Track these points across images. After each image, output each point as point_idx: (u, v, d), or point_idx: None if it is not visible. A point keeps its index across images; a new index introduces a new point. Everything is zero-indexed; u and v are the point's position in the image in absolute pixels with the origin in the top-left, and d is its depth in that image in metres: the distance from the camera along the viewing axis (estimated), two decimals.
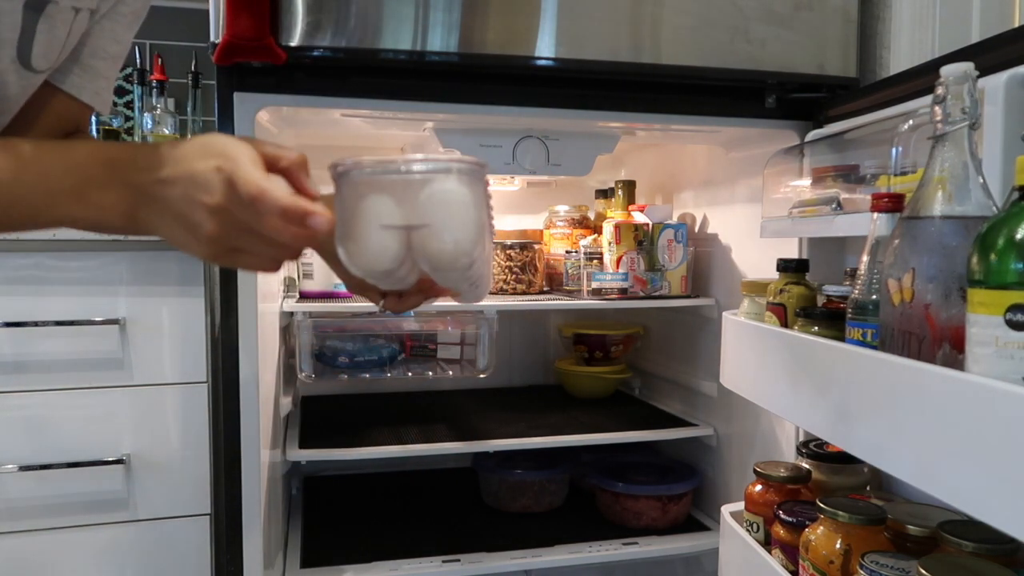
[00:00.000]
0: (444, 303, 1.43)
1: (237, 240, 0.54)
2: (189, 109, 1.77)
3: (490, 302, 1.44)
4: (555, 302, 1.46)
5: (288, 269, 1.50)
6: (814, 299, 0.93)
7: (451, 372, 1.57)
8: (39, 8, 0.64)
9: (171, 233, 0.55)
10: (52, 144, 0.55)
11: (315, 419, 1.52)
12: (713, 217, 1.56)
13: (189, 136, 1.73)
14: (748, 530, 1.03)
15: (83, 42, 0.73)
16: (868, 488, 1.03)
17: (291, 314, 1.37)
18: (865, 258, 0.75)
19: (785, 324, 0.92)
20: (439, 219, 0.53)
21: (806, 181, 1.12)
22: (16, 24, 0.63)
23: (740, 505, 1.07)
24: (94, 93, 0.76)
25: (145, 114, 1.67)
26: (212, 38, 1.01)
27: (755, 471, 1.04)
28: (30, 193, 0.54)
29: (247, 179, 0.52)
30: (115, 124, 1.71)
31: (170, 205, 0.54)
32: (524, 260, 1.50)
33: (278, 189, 0.52)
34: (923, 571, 0.68)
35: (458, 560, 1.30)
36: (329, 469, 1.72)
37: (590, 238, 1.55)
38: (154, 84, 1.69)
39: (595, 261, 1.50)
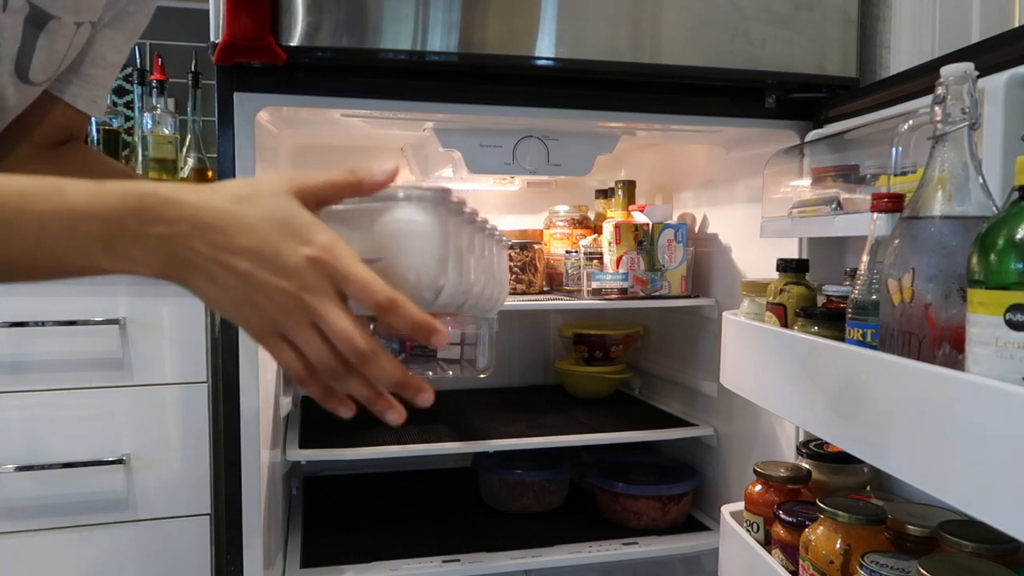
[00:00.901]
0: None
1: (298, 333, 0.46)
2: (189, 109, 1.77)
3: None
4: (555, 302, 1.45)
5: None
6: (814, 299, 0.93)
7: (451, 372, 1.57)
8: (41, 24, 0.64)
9: (217, 300, 0.48)
10: (83, 184, 0.47)
11: (315, 419, 1.52)
12: (713, 217, 1.56)
13: (189, 138, 1.72)
14: (748, 530, 1.03)
15: (84, 50, 0.73)
16: (868, 488, 1.03)
17: None
18: (865, 258, 0.75)
19: (785, 324, 0.92)
20: (393, 251, 0.50)
21: (806, 181, 1.12)
22: (16, 38, 0.63)
23: (740, 505, 1.07)
24: (91, 101, 0.75)
25: (145, 114, 1.66)
26: (212, 38, 1.01)
27: (755, 471, 1.04)
28: (55, 239, 0.45)
29: (373, 287, 0.46)
30: (115, 124, 1.71)
31: (228, 278, 0.46)
32: (524, 260, 1.50)
33: (407, 304, 0.47)
34: (923, 571, 0.68)
35: (458, 560, 1.30)
36: (329, 469, 1.72)
37: (590, 238, 1.55)
38: (154, 84, 1.69)
39: (595, 261, 1.50)
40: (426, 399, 0.50)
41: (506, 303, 1.42)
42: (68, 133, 0.77)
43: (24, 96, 0.67)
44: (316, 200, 0.51)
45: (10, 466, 1.18)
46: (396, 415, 0.50)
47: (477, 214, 0.65)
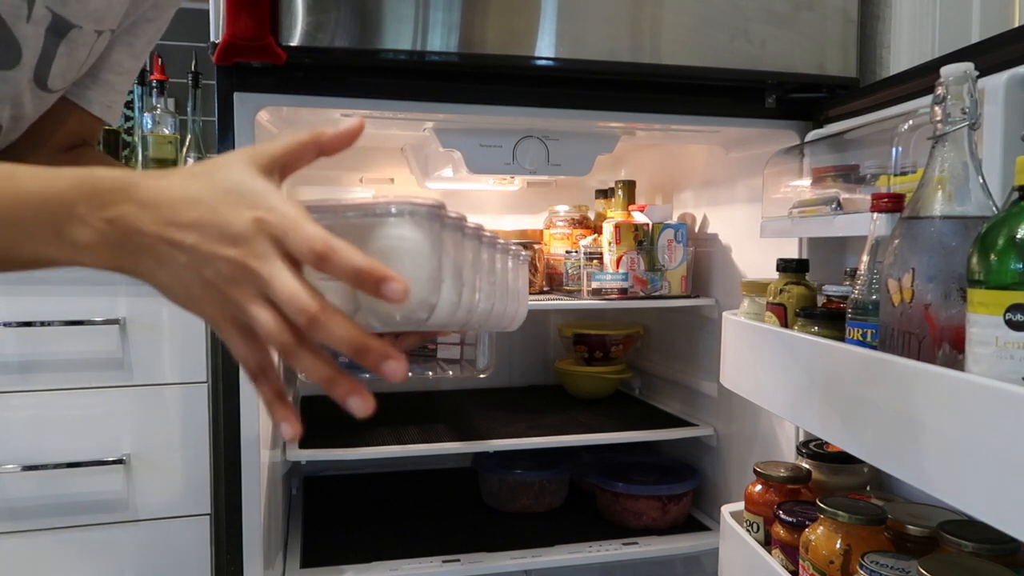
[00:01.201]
0: None
1: (248, 306, 0.43)
2: (189, 109, 1.77)
3: None
4: (555, 302, 1.46)
5: None
6: (814, 299, 0.93)
7: (451, 372, 1.57)
8: (62, 33, 0.63)
9: (168, 284, 0.45)
10: (36, 170, 0.45)
11: (315, 419, 1.52)
12: (713, 217, 1.56)
13: (189, 138, 1.73)
14: (748, 530, 1.03)
15: (102, 56, 0.72)
16: (868, 488, 1.03)
17: None
18: (865, 258, 0.75)
19: (785, 324, 0.92)
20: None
21: (806, 181, 1.12)
22: (37, 48, 0.63)
23: (740, 505, 1.07)
24: (106, 106, 0.75)
25: (145, 114, 1.67)
26: (212, 38, 1.01)
27: (755, 471, 1.04)
28: (3, 226, 0.44)
29: (311, 234, 0.42)
30: (115, 124, 1.70)
31: (176, 255, 0.43)
32: None
33: (346, 247, 0.42)
34: (923, 571, 0.68)
35: (458, 560, 1.30)
36: (329, 469, 1.72)
37: (590, 238, 1.55)
38: (154, 84, 1.69)
39: (595, 261, 1.50)
40: (395, 370, 0.42)
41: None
42: (81, 138, 0.77)
43: (41, 103, 0.67)
44: (280, 167, 0.47)
45: (11, 466, 1.18)
46: (361, 402, 0.43)
47: (483, 229, 0.62)
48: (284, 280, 0.42)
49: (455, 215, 0.54)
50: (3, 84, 0.62)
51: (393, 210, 0.48)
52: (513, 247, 0.72)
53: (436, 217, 0.50)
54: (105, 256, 0.44)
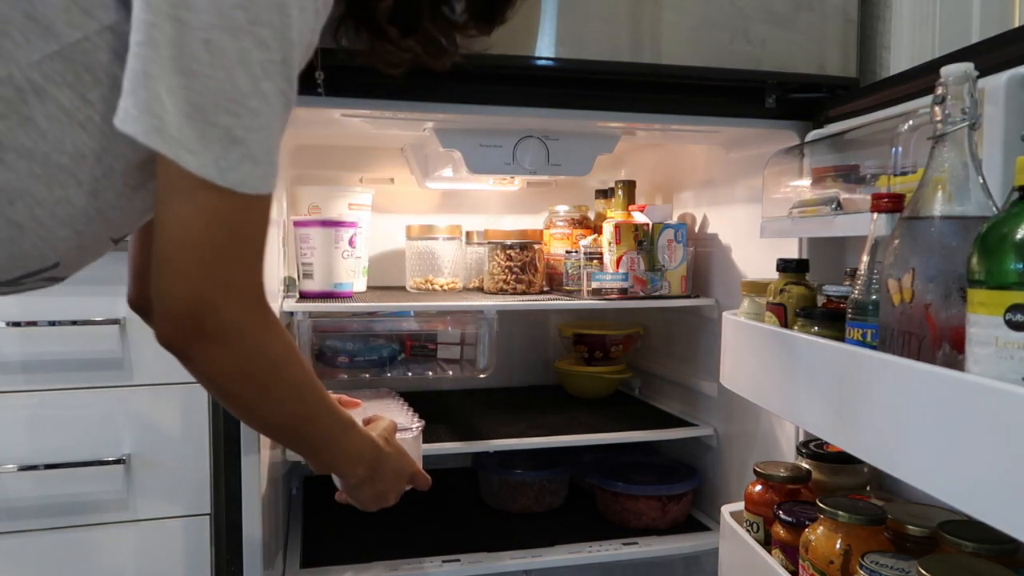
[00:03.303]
0: (444, 303, 1.43)
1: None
2: None
3: (490, 302, 1.44)
4: (555, 302, 1.45)
5: (288, 269, 1.50)
6: (814, 299, 0.93)
7: (451, 372, 1.57)
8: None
9: (370, 494, 0.89)
10: (362, 433, 0.84)
11: None
12: (713, 217, 1.56)
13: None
14: (748, 530, 1.03)
15: None
16: (868, 488, 1.03)
17: (291, 314, 1.37)
18: (865, 258, 0.75)
19: (785, 324, 0.92)
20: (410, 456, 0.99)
21: (806, 181, 1.12)
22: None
23: (740, 505, 1.07)
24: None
25: None
26: None
27: (755, 471, 1.04)
28: (347, 444, 0.81)
29: (420, 473, 0.98)
30: None
31: (372, 487, 0.88)
32: (524, 260, 1.50)
33: (419, 479, 0.98)
34: (923, 571, 0.68)
35: (458, 560, 1.30)
36: None
37: (590, 238, 1.55)
38: None
39: (595, 261, 1.50)
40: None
41: (506, 303, 1.43)
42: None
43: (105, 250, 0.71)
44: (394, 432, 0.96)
45: (10, 466, 1.18)
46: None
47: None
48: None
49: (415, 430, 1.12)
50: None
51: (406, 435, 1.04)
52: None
53: (416, 438, 1.10)
54: (361, 478, 0.86)
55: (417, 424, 1.14)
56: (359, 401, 1.09)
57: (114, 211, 0.63)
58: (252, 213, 0.59)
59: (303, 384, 0.71)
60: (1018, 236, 0.51)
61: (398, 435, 0.97)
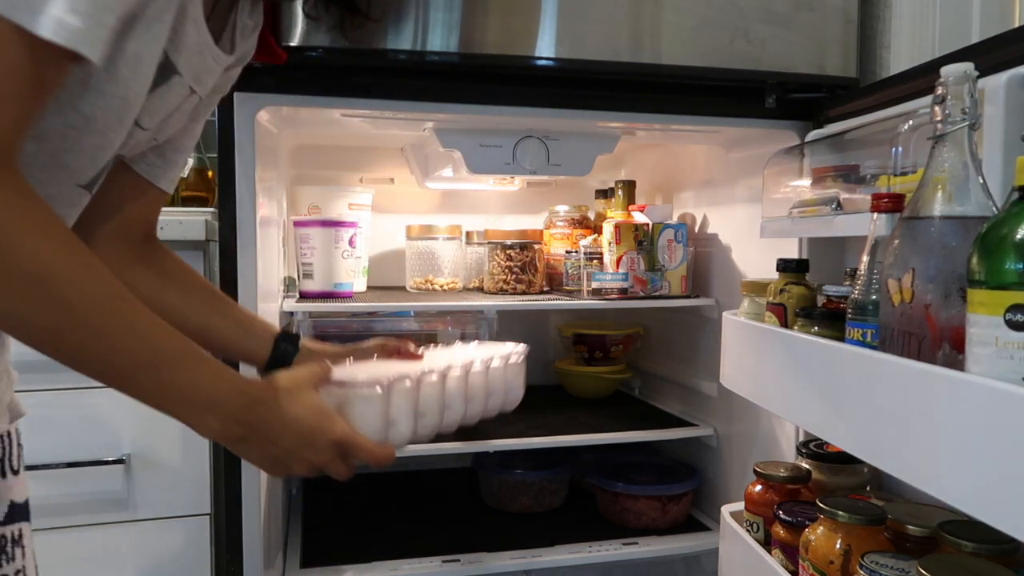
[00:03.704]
0: (444, 303, 1.43)
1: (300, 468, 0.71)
2: None
3: (490, 302, 1.44)
4: (555, 302, 1.46)
5: (288, 269, 1.50)
6: (814, 299, 0.93)
7: None
8: (167, 76, 0.67)
9: (254, 459, 0.71)
10: (211, 361, 0.65)
11: None
12: (713, 217, 1.56)
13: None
14: (748, 530, 1.03)
15: (172, 142, 0.80)
16: (868, 488, 1.03)
17: (291, 314, 1.37)
18: (865, 258, 0.75)
19: (785, 324, 0.92)
20: (353, 425, 0.75)
21: (806, 181, 1.12)
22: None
23: (740, 505, 1.07)
24: (170, 181, 0.84)
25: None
26: None
27: (755, 471, 1.04)
28: (171, 379, 0.62)
29: (373, 452, 0.74)
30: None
31: (272, 450, 0.69)
32: (524, 260, 1.50)
33: (367, 451, 0.74)
34: (923, 571, 0.68)
35: (458, 560, 1.30)
36: None
37: (590, 238, 1.55)
38: None
39: (595, 261, 1.50)
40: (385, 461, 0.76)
41: (506, 303, 1.43)
42: (149, 222, 0.86)
43: (126, 138, 0.68)
44: (317, 384, 0.74)
45: None
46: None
47: (451, 367, 0.87)
48: (342, 472, 0.74)
49: (415, 375, 0.82)
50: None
51: (353, 394, 0.76)
52: (502, 354, 0.96)
53: (386, 388, 0.78)
54: (220, 438, 0.67)
55: (419, 371, 0.83)
56: (420, 354, 0.92)
57: (66, 155, 0.62)
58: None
59: (77, 287, 0.54)
60: (1018, 236, 0.51)
61: (358, 391, 0.76)
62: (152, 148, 0.79)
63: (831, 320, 0.82)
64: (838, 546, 0.81)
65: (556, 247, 1.59)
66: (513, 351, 0.98)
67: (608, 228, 1.49)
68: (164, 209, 0.88)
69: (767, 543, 0.99)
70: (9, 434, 0.75)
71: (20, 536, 0.71)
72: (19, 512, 0.72)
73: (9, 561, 0.68)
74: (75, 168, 0.65)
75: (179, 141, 0.82)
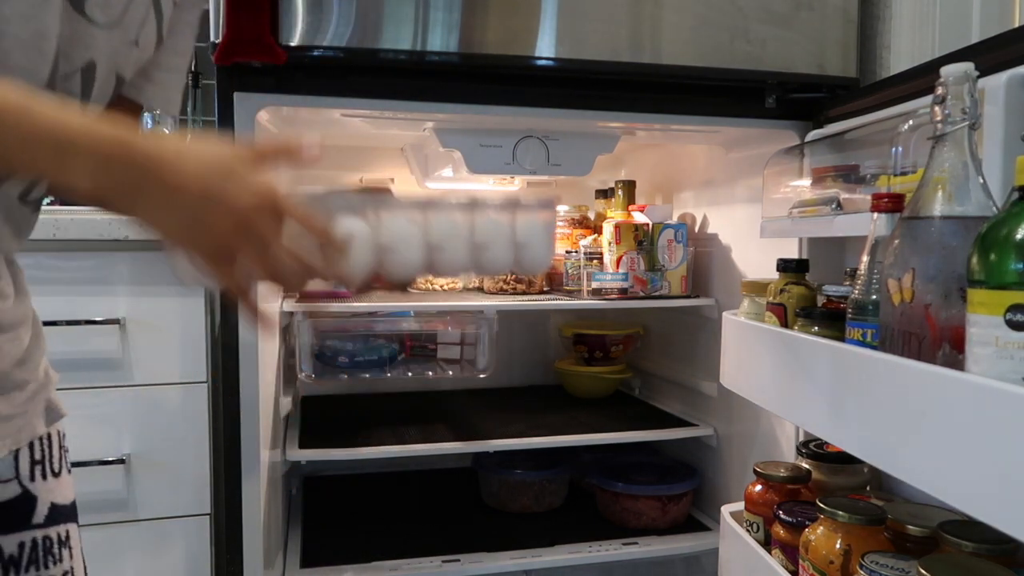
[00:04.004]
0: (444, 303, 1.43)
1: (246, 247, 0.55)
2: (189, 109, 1.77)
3: (490, 302, 1.44)
4: (555, 302, 1.46)
5: None
6: (814, 299, 0.93)
7: (451, 372, 1.57)
8: None
9: (162, 223, 0.53)
10: (47, 99, 0.50)
11: (315, 419, 1.52)
12: (713, 217, 1.56)
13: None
14: (748, 530, 1.03)
15: (153, 60, 0.76)
16: (868, 488, 1.03)
17: (291, 314, 1.37)
18: (865, 258, 0.75)
19: (785, 324, 0.92)
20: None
21: (806, 181, 1.12)
22: None
23: (740, 505, 1.07)
24: (165, 101, 0.81)
25: (144, 113, 1.66)
26: (212, 38, 1.01)
27: (755, 471, 1.04)
28: (8, 129, 0.48)
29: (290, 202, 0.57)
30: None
31: (183, 200, 0.52)
32: None
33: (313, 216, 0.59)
34: (923, 571, 0.68)
35: (458, 560, 1.30)
36: (329, 469, 1.72)
37: (590, 238, 1.55)
38: None
39: (595, 261, 1.50)
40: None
41: (506, 303, 1.43)
42: None
43: (76, 33, 0.61)
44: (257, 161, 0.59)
45: None
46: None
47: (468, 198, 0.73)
48: (282, 248, 0.56)
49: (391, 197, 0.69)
50: None
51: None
52: (533, 203, 0.79)
53: (365, 204, 0.66)
54: (101, 183, 0.50)
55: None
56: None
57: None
58: None
59: None
60: (1018, 236, 0.51)
61: (341, 193, 0.68)
62: (138, 72, 0.74)
63: (831, 320, 0.82)
64: (838, 546, 0.81)
65: (556, 247, 1.59)
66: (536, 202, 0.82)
67: (608, 228, 1.49)
68: None
69: (767, 543, 0.99)
70: (49, 436, 0.72)
71: (67, 537, 0.70)
72: (63, 514, 0.71)
73: (56, 562, 0.67)
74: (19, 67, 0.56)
75: (161, 59, 0.76)
